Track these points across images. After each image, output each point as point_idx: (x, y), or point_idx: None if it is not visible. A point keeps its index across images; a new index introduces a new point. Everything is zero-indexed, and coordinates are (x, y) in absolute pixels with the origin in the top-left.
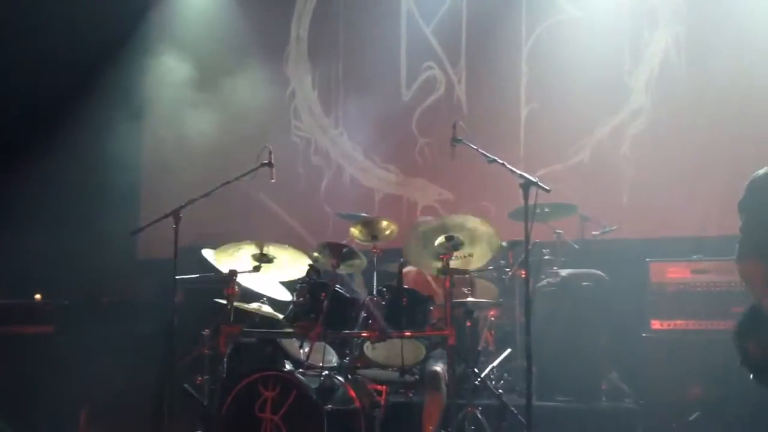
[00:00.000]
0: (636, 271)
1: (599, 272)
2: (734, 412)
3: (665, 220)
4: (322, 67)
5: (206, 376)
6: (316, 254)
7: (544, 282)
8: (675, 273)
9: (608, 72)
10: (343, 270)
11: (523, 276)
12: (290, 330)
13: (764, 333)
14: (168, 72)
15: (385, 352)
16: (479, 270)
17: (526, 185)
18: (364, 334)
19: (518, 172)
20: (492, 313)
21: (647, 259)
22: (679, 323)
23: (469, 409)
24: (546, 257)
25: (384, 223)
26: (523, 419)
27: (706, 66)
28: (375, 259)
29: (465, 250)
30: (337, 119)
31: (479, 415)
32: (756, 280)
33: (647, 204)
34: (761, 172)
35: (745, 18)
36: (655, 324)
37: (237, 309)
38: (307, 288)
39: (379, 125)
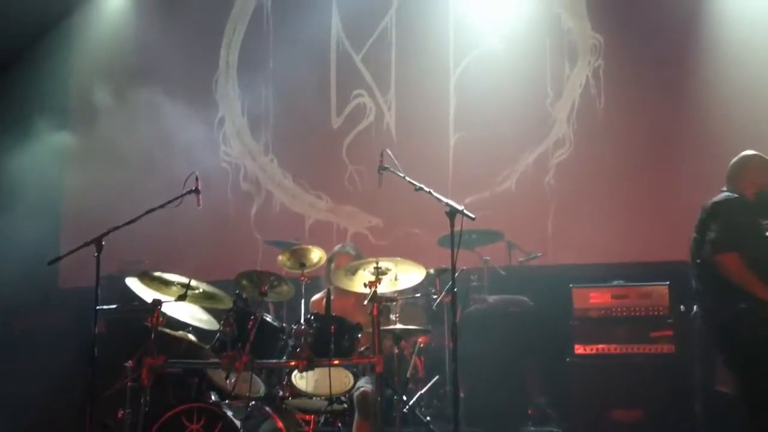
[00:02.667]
0: (560, 296)
1: (525, 298)
2: None
3: (588, 246)
4: (252, 93)
5: (128, 410)
6: (244, 282)
7: (473, 308)
8: (597, 298)
9: (532, 102)
10: (270, 298)
11: (450, 302)
12: (216, 360)
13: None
14: (96, 92)
15: (314, 381)
16: (408, 297)
17: (452, 213)
18: (291, 363)
19: (444, 200)
20: (421, 339)
21: (570, 285)
22: (602, 347)
23: None
24: (474, 283)
25: (313, 251)
26: None
27: (623, 99)
28: (303, 286)
29: (392, 273)
30: (267, 145)
31: None
32: (740, 268)
33: (570, 231)
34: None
35: (659, 53)
36: (579, 348)
37: (162, 338)
38: (234, 317)
39: (309, 152)
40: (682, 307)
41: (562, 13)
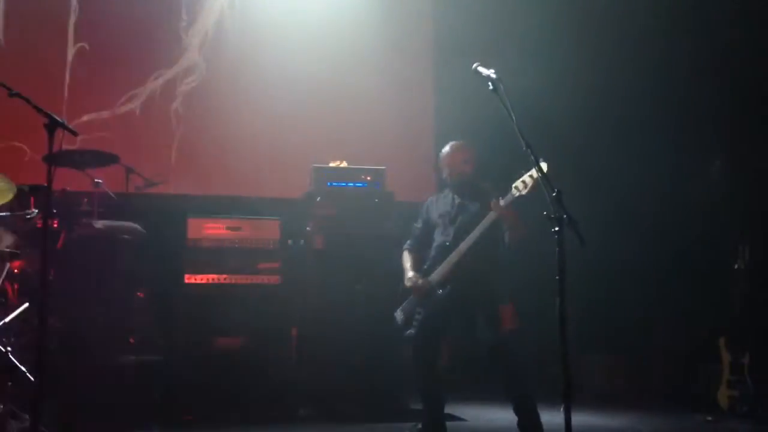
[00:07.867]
0: (176, 226)
1: (137, 226)
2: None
3: (208, 178)
4: None
5: None
6: None
7: (78, 233)
8: (212, 230)
9: (165, 25)
10: None
11: (47, 225)
12: None
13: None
14: None
15: None
16: None
17: (51, 126)
18: None
19: (43, 110)
20: (15, 264)
21: (187, 216)
22: (212, 278)
23: None
24: (83, 207)
25: None
26: (32, 378)
27: (257, 33)
28: None
29: None
30: None
31: None
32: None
33: (193, 161)
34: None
35: None
36: (189, 278)
37: None
38: None
39: None
40: (290, 241)
41: None
